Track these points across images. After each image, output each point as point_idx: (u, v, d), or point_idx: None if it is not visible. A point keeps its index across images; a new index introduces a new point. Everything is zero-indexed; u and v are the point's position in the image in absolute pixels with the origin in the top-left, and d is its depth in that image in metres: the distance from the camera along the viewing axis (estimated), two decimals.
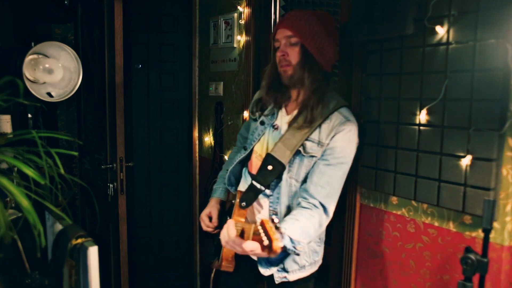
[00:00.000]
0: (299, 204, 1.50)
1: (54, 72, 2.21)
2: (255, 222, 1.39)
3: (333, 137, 1.48)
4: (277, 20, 2.21)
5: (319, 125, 1.50)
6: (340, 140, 1.48)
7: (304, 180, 1.54)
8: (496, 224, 1.28)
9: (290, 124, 1.55)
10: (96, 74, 2.89)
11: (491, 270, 1.29)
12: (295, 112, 1.57)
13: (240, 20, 2.42)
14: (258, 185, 1.56)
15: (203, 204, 2.90)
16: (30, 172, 0.97)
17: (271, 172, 1.53)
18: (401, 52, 1.49)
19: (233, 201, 1.69)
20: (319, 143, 1.50)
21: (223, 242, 1.35)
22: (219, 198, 1.81)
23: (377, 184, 1.61)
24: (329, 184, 1.48)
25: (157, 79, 2.99)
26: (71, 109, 3.31)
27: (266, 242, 1.15)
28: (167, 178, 3.07)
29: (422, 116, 1.43)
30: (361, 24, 1.58)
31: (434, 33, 1.38)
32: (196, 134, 2.96)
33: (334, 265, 1.87)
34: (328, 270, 1.91)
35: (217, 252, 1.74)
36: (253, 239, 1.23)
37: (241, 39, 2.42)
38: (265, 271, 1.60)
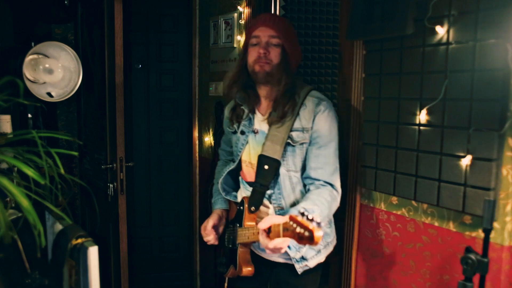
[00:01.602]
0: (308, 190, 1.58)
1: (54, 72, 2.21)
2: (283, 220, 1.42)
3: (314, 120, 1.56)
4: None
5: (298, 113, 1.58)
6: (322, 121, 1.56)
7: (303, 169, 1.61)
8: (496, 224, 1.28)
9: (270, 123, 1.62)
10: (96, 74, 2.88)
11: (491, 270, 1.29)
12: (269, 112, 1.64)
13: (240, 20, 2.42)
14: (260, 187, 1.61)
15: (203, 204, 2.91)
16: (30, 172, 0.97)
17: (269, 171, 1.59)
18: (401, 52, 1.49)
19: (241, 208, 1.69)
20: (303, 129, 1.57)
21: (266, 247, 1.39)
22: (220, 209, 1.82)
23: (377, 184, 1.61)
24: (326, 164, 1.56)
25: (157, 79, 2.99)
26: (71, 109, 3.30)
27: (307, 234, 1.18)
28: (167, 178, 3.07)
29: (422, 116, 1.43)
30: (361, 24, 1.58)
31: (434, 33, 1.38)
32: (196, 134, 2.96)
33: (334, 265, 1.87)
34: (328, 269, 1.91)
35: (230, 260, 1.74)
36: (284, 236, 1.28)
37: (241, 39, 2.42)
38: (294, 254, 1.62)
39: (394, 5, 1.45)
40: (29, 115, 2.33)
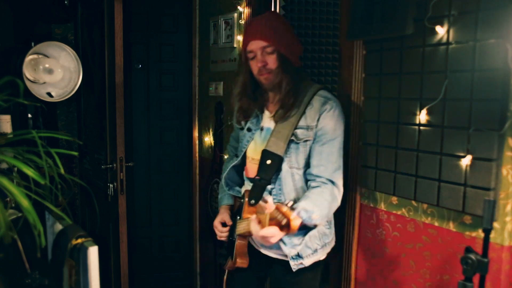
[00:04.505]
0: (309, 187, 1.60)
1: (54, 72, 2.20)
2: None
3: (319, 119, 1.58)
4: None
5: (304, 112, 1.60)
6: (327, 119, 1.58)
7: (306, 166, 1.62)
8: (496, 224, 1.28)
9: (275, 120, 1.65)
10: (96, 74, 2.89)
11: (491, 270, 1.29)
12: (276, 110, 1.67)
13: (240, 20, 2.42)
14: (260, 181, 1.64)
15: (203, 204, 2.91)
16: (30, 172, 0.97)
17: (271, 166, 1.61)
18: (401, 52, 1.49)
19: (242, 201, 1.73)
20: (308, 127, 1.60)
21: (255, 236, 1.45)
22: (227, 204, 1.87)
23: (377, 184, 1.61)
24: (329, 162, 1.57)
25: (157, 79, 2.99)
26: (71, 109, 3.31)
27: (284, 222, 1.25)
28: (167, 178, 3.07)
29: (422, 116, 1.43)
30: (361, 24, 1.58)
31: (434, 33, 1.38)
32: (196, 134, 2.96)
33: (334, 265, 1.87)
34: (328, 269, 1.91)
35: (229, 252, 1.79)
36: (269, 225, 1.32)
37: (241, 39, 2.42)
38: (287, 251, 1.65)
39: (394, 5, 1.45)
40: (29, 115, 2.33)
